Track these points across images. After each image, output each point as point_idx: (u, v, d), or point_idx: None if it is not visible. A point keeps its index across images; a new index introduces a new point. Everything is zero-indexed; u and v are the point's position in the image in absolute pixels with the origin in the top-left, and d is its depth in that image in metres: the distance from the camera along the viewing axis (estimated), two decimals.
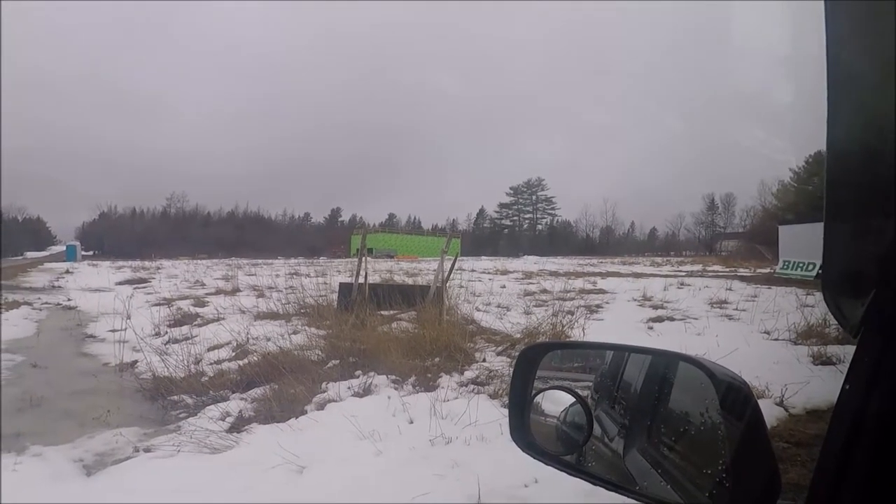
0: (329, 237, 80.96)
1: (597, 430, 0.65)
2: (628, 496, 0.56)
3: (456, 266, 11.47)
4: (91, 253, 66.79)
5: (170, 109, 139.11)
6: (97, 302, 10.71)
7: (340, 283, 9.16)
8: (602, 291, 13.59)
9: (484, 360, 5.45)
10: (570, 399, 0.63)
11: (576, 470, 0.60)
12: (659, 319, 8.51)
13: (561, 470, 0.61)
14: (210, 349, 6.39)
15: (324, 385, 4.56)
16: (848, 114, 0.48)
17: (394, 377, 4.77)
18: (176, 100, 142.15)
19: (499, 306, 10.12)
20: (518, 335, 6.43)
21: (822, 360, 5.08)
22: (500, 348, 6.01)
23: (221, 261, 37.73)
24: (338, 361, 5.29)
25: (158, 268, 28.01)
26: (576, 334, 6.32)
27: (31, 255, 61.13)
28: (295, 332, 6.72)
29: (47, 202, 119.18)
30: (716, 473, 0.53)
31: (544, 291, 13.06)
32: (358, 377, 4.77)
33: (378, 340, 5.74)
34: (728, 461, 0.50)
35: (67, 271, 26.27)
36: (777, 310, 7.82)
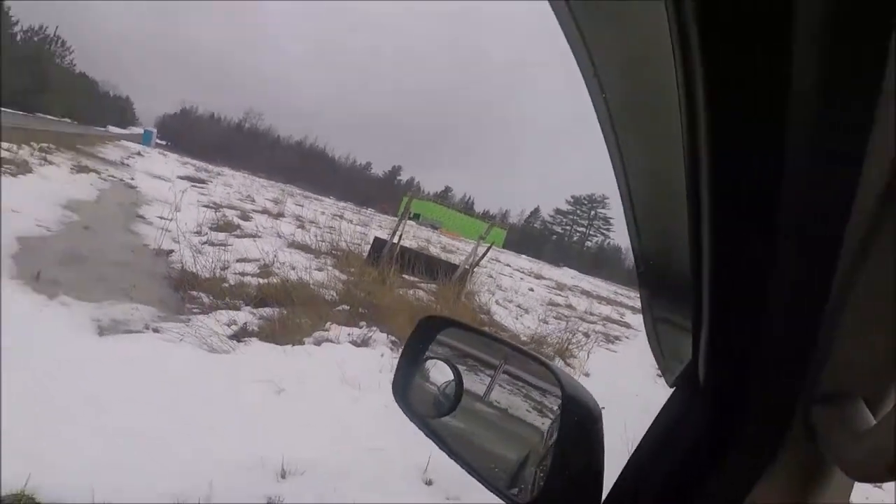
0: (383, 192, 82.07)
1: (472, 408, 0.70)
2: (450, 456, 0.63)
3: (491, 256, 11.45)
4: (164, 143, 70.46)
5: (270, 36, 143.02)
6: (155, 188, 11.38)
7: (375, 237, 9.35)
8: (627, 326, 13.24)
9: None
10: (451, 374, 0.70)
11: (430, 432, 0.67)
12: None
13: (420, 429, 0.68)
14: (238, 260, 6.73)
15: (327, 325, 4.75)
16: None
17: (393, 338, 4.91)
18: (280, 30, 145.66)
19: (518, 307, 10.10)
20: (524, 339, 6.45)
21: None
22: None
23: (277, 184, 38.94)
24: (348, 307, 5.48)
25: (219, 174, 29.32)
26: (581, 357, 6.28)
27: (113, 129, 64.91)
28: (319, 269, 6.98)
29: (138, 84, 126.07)
30: (533, 472, 0.58)
31: (569, 307, 12.90)
32: (361, 328, 4.94)
33: (392, 300, 5.89)
34: (546, 466, 0.54)
35: (139, 153, 27.88)
36: None
